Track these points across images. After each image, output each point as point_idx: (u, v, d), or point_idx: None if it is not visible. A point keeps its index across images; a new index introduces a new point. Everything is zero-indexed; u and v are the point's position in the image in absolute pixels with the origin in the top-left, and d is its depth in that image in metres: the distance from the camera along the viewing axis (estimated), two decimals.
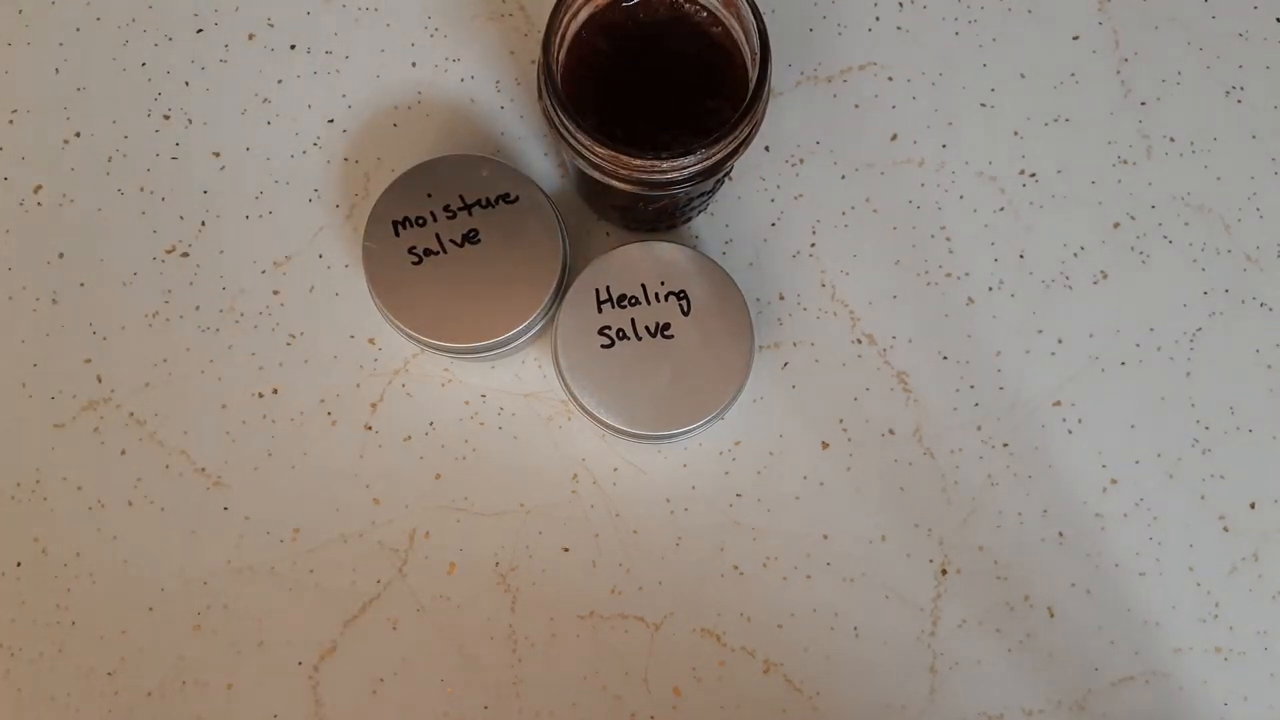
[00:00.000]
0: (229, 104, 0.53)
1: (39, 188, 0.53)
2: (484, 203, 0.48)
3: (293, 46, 0.54)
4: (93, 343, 0.52)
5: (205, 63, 0.54)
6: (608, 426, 0.47)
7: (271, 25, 0.54)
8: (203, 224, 0.53)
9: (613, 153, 0.42)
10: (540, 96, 0.44)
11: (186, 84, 0.54)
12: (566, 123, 0.42)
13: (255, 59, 0.54)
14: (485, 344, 0.47)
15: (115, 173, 0.53)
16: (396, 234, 0.48)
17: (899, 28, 0.54)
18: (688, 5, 0.45)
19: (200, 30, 0.54)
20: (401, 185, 0.48)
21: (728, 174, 0.49)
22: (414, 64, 0.54)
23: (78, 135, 0.53)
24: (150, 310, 0.52)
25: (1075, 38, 0.54)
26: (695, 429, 0.47)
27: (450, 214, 0.48)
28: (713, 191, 0.50)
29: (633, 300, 0.47)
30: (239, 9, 0.54)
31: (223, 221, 0.53)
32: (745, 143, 0.44)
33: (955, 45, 0.54)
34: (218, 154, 0.53)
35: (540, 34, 0.54)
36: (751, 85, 0.43)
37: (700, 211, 0.52)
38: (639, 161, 0.42)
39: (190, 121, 0.53)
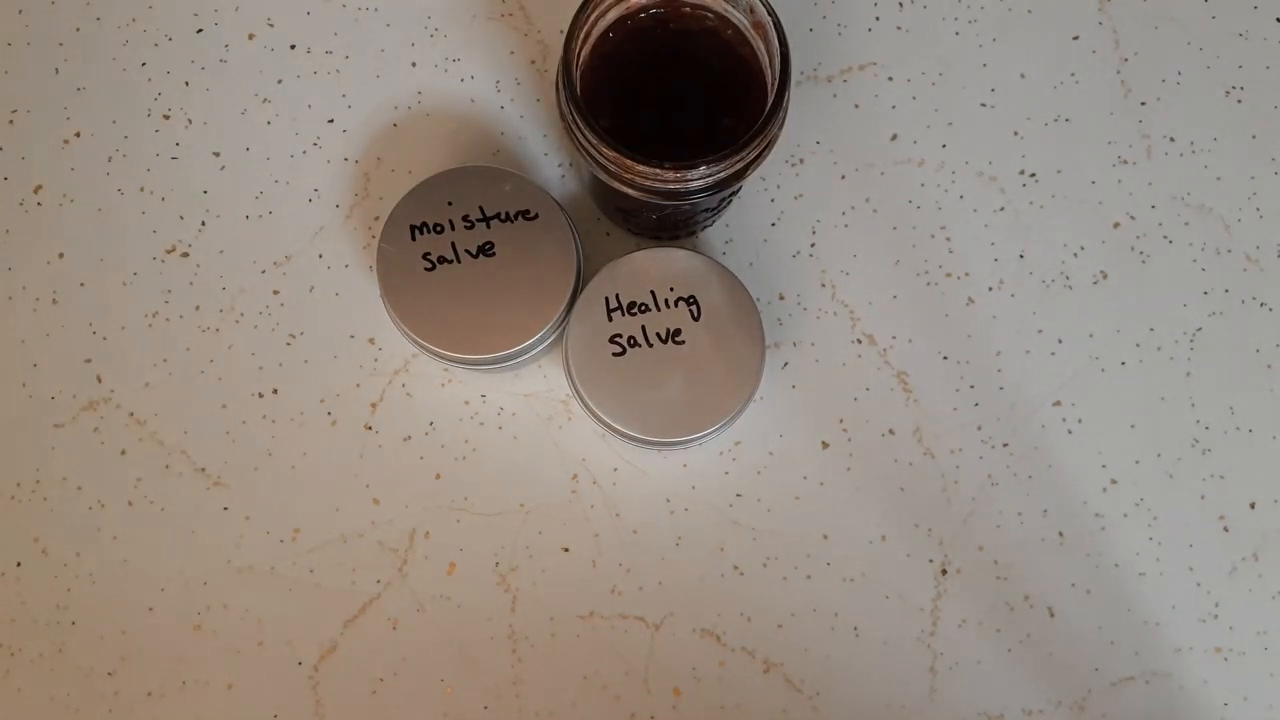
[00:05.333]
0: (229, 104, 0.53)
1: (39, 188, 0.53)
2: (503, 217, 0.48)
3: (293, 46, 0.54)
4: (93, 343, 0.52)
5: (205, 63, 0.54)
6: (623, 435, 0.47)
7: (271, 25, 0.54)
8: (203, 224, 0.53)
9: (619, 155, 0.42)
10: (556, 89, 0.44)
11: (186, 84, 0.54)
12: (577, 118, 0.42)
13: (255, 59, 0.54)
14: (485, 357, 0.47)
15: (115, 173, 0.53)
16: (413, 238, 0.48)
17: (899, 28, 0.54)
18: (718, 22, 0.45)
19: (200, 30, 0.54)
20: (423, 190, 0.48)
21: (735, 193, 0.49)
22: (414, 64, 0.54)
23: (78, 135, 0.53)
24: (150, 310, 0.52)
25: (1075, 38, 0.54)
26: (711, 433, 0.47)
27: (469, 224, 0.48)
28: (718, 210, 0.50)
29: (643, 307, 0.47)
30: (239, 9, 0.54)
31: (223, 221, 0.53)
32: (753, 164, 0.43)
33: (955, 45, 0.54)
34: (218, 154, 0.53)
35: (541, 34, 0.54)
36: (767, 108, 0.43)
37: (704, 227, 0.52)
38: (643, 168, 0.42)
39: (190, 121, 0.53)
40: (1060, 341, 0.53)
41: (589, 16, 0.43)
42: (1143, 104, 0.54)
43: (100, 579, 0.51)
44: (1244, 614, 0.52)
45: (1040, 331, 0.53)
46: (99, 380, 0.52)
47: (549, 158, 0.53)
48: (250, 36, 0.54)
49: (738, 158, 0.42)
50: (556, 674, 0.51)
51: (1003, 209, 0.53)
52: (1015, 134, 0.54)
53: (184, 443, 0.52)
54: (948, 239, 0.53)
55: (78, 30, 0.54)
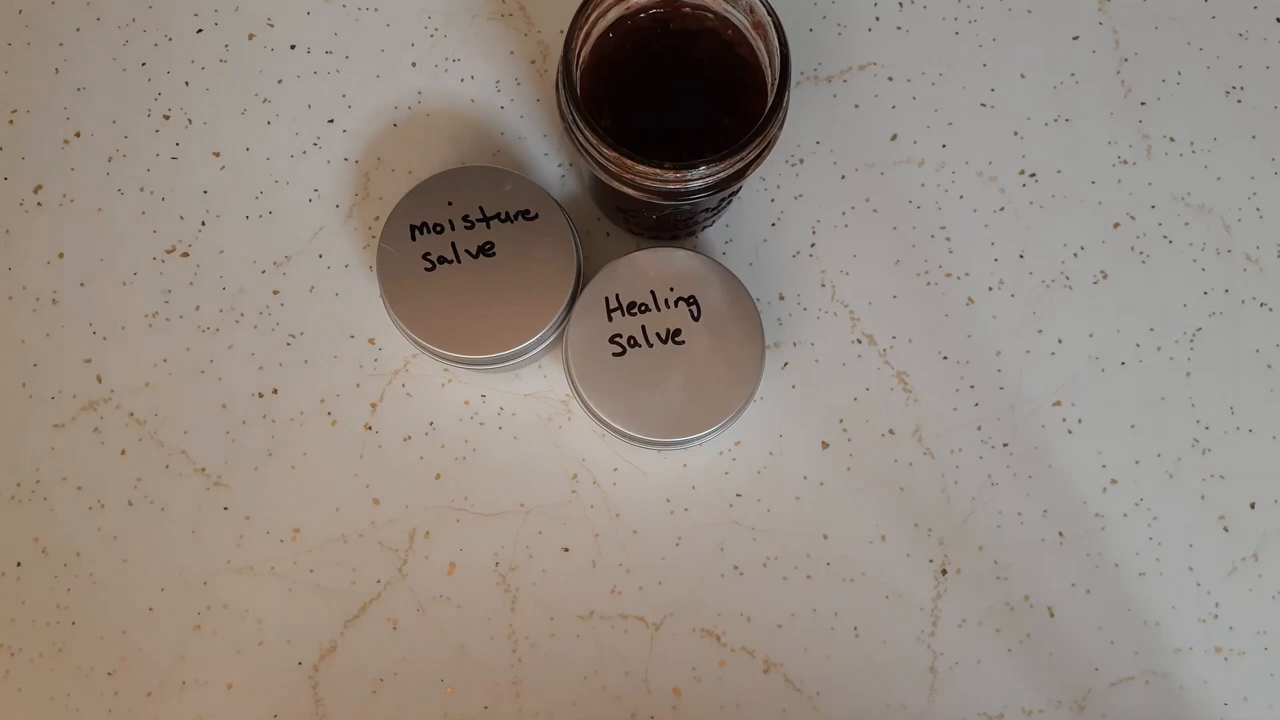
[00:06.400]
0: (229, 104, 0.53)
1: (39, 188, 0.53)
2: (503, 217, 0.48)
3: (293, 46, 0.54)
4: (93, 343, 0.52)
5: (205, 63, 0.54)
6: (623, 435, 0.47)
7: (271, 25, 0.54)
8: (203, 224, 0.53)
9: (619, 155, 0.42)
10: (556, 89, 0.44)
11: (186, 84, 0.54)
12: (577, 118, 0.42)
13: (255, 59, 0.54)
14: (485, 357, 0.47)
15: (115, 173, 0.53)
16: (413, 238, 0.48)
17: (899, 28, 0.54)
18: (717, 22, 0.45)
19: (200, 30, 0.54)
20: (423, 190, 0.48)
21: (735, 193, 0.49)
22: (414, 64, 0.54)
23: (78, 135, 0.53)
24: (150, 310, 0.52)
25: (1075, 38, 0.54)
26: (711, 433, 0.47)
27: (469, 224, 0.48)
28: (718, 210, 0.50)
29: (643, 307, 0.47)
30: (239, 9, 0.54)
31: (223, 221, 0.53)
32: (753, 164, 0.43)
33: (955, 45, 0.54)
34: (218, 154, 0.53)
35: (541, 34, 0.54)
36: (767, 108, 0.43)
37: (704, 227, 0.52)
38: (643, 168, 0.42)
39: (190, 121, 0.53)
40: (1060, 341, 0.53)
41: (589, 16, 0.43)
42: (1143, 104, 0.54)
43: (100, 579, 0.51)
44: (1244, 614, 0.52)
45: (1040, 331, 0.53)
46: (99, 380, 0.52)
47: (549, 158, 0.53)
48: (250, 36, 0.54)
49: (738, 158, 0.42)
50: (556, 674, 0.51)
51: (1003, 209, 0.53)
52: (1015, 134, 0.54)
53: (184, 443, 0.52)
54: (948, 239, 0.53)
55: (78, 30, 0.54)
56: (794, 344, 0.53)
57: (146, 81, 0.54)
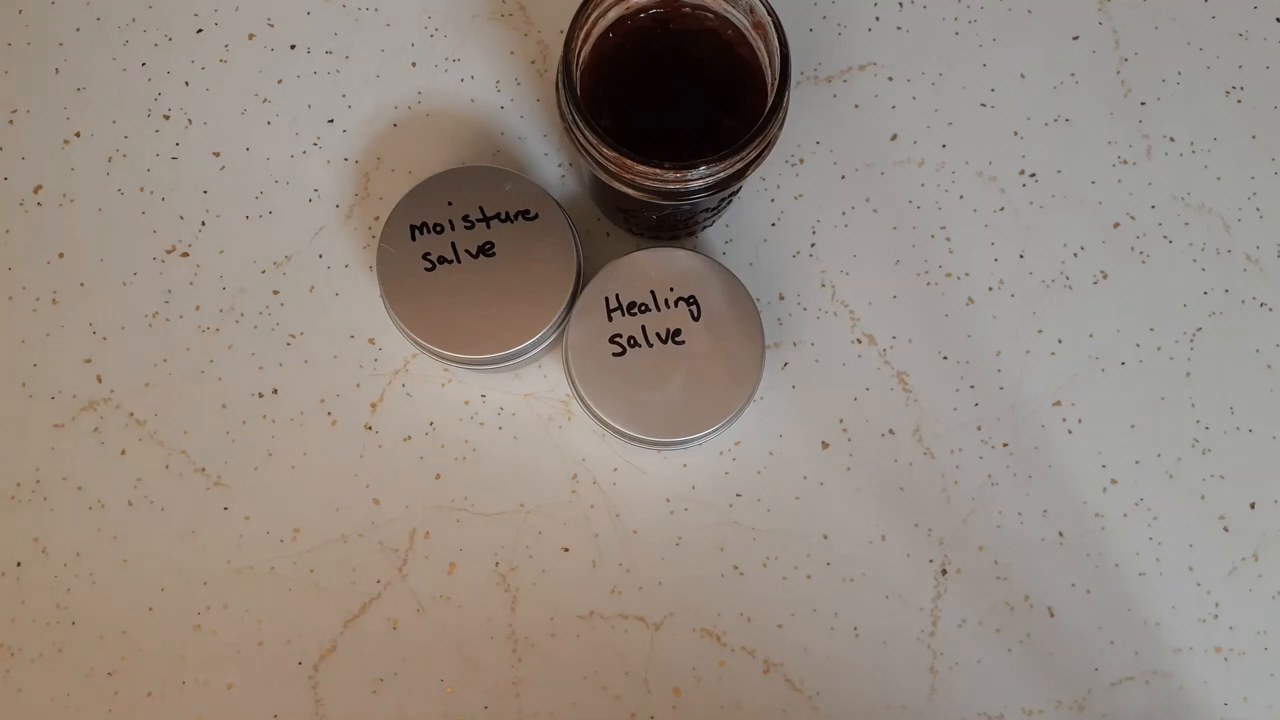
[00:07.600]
0: (229, 104, 0.53)
1: (39, 188, 0.53)
2: (503, 217, 0.48)
3: (293, 46, 0.54)
4: (93, 343, 0.52)
5: (205, 63, 0.54)
6: (623, 435, 0.47)
7: (271, 25, 0.54)
8: (203, 224, 0.53)
9: (619, 155, 0.42)
10: (556, 89, 0.44)
11: (186, 84, 0.54)
12: (577, 118, 0.42)
13: (255, 59, 0.54)
14: (485, 357, 0.47)
15: (115, 173, 0.53)
16: (413, 238, 0.48)
17: (899, 28, 0.54)
18: (717, 22, 0.45)
19: (200, 30, 0.54)
20: (423, 190, 0.48)
21: (735, 193, 0.49)
22: (414, 64, 0.54)
23: (78, 135, 0.53)
24: (150, 310, 0.52)
25: (1075, 38, 0.54)
26: (711, 433, 0.47)
27: (469, 224, 0.48)
28: (718, 210, 0.50)
29: (643, 307, 0.47)
30: (239, 9, 0.54)
31: (223, 221, 0.53)
32: (753, 164, 0.43)
33: (955, 45, 0.54)
34: (218, 154, 0.53)
35: (541, 34, 0.54)
36: (767, 108, 0.43)
37: (704, 227, 0.52)
38: (643, 168, 0.42)
39: (190, 121, 0.53)
40: (1060, 341, 0.53)
41: (589, 16, 0.43)
42: (1143, 104, 0.54)
43: (100, 579, 0.51)
44: (1244, 614, 0.52)
45: (1040, 331, 0.53)
46: (99, 380, 0.52)
47: (549, 158, 0.53)
48: (250, 36, 0.54)
49: (738, 158, 0.42)
50: (556, 674, 0.51)
51: (1003, 209, 0.53)
52: (1015, 134, 0.54)
53: (184, 443, 0.52)
54: (948, 239, 0.53)
55: (78, 30, 0.54)
56: (794, 344, 0.53)
57: (146, 81, 0.54)
